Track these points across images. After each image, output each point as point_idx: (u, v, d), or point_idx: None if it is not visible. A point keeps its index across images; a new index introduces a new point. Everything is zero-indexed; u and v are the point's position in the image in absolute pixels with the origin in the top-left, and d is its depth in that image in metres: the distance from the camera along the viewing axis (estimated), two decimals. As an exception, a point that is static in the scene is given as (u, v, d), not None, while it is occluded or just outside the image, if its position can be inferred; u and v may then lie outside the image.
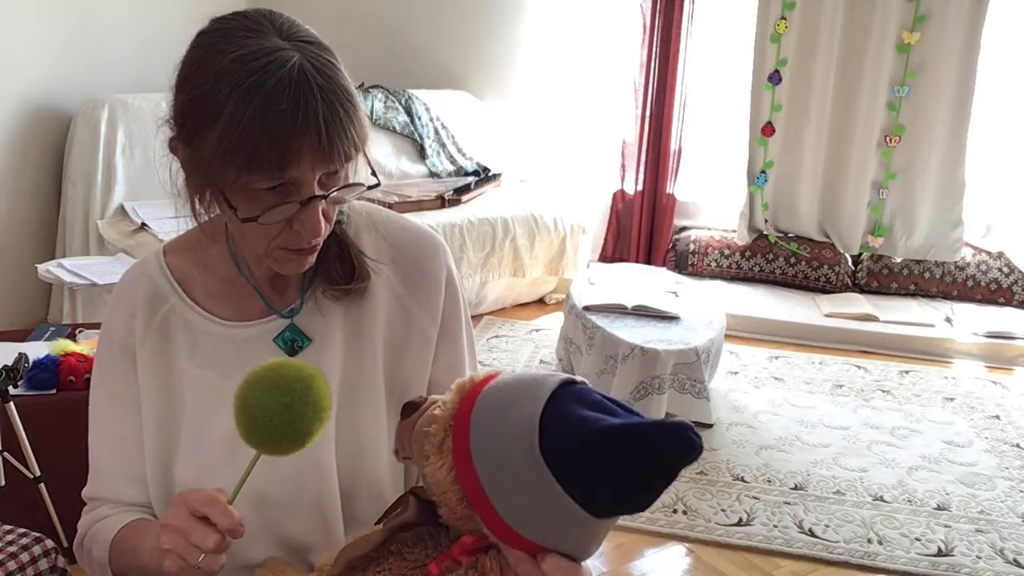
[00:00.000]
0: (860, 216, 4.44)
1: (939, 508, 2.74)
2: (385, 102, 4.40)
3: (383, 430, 1.02)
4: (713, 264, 4.58)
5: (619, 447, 0.69)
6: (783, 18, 4.27)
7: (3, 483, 1.93)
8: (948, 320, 4.14)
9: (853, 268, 4.52)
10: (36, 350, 2.20)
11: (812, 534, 2.59)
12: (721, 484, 2.82)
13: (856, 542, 2.56)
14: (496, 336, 3.97)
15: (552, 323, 4.06)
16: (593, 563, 2.29)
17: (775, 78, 4.36)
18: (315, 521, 1.00)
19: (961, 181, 4.30)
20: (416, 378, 1.06)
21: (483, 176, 4.46)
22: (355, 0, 4.67)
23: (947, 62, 4.16)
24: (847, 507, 2.73)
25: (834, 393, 3.56)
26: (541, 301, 4.42)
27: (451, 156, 4.54)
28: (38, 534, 1.69)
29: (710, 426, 3.13)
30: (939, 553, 2.52)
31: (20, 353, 2.04)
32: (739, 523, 2.63)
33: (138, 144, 3.59)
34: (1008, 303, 4.34)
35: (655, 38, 4.44)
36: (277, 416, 0.81)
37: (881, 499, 2.78)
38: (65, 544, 1.93)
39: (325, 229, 0.91)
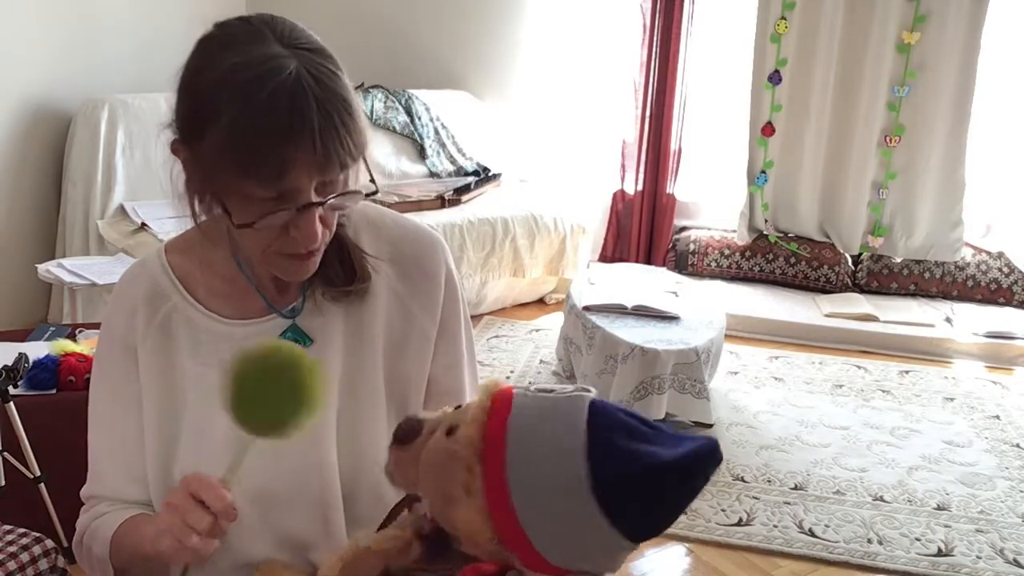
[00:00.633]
0: (860, 216, 4.44)
1: (939, 508, 2.74)
2: (385, 102, 4.40)
3: (383, 430, 1.02)
4: (713, 264, 4.58)
5: (674, 481, 0.70)
6: (783, 18, 4.27)
7: (3, 483, 1.93)
8: (948, 320, 4.14)
9: (853, 268, 4.51)
10: (36, 350, 2.20)
11: (812, 534, 2.59)
12: (721, 484, 2.82)
13: (856, 542, 2.55)
14: (496, 336, 3.97)
15: (552, 323, 4.06)
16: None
17: (775, 78, 4.36)
18: (316, 520, 1.00)
19: (961, 181, 4.30)
20: (416, 377, 1.06)
21: (483, 176, 4.46)
22: (355, 0, 4.67)
23: (947, 62, 4.16)
24: (847, 507, 2.73)
25: (834, 393, 3.56)
26: (541, 301, 4.42)
27: (451, 156, 4.54)
28: (38, 534, 1.69)
29: (710, 426, 3.13)
30: (939, 553, 2.52)
31: (20, 353, 2.04)
32: (739, 523, 2.63)
33: (138, 144, 3.60)
34: (1008, 303, 4.34)
35: (655, 38, 4.44)
36: (260, 394, 0.82)
37: (881, 499, 2.78)
38: (65, 544, 1.93)
39: (325, 235, 0.92)
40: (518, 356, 3.77)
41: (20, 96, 3.38)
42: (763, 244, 4.54)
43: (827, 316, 4.15)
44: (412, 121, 4.44)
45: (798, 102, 4.38)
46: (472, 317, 4.38)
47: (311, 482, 0.99)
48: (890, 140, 4.32)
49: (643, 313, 3.23)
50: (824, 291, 4.44)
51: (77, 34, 3.62)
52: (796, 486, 2.84)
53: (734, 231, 4.60)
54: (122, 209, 3.50)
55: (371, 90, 4.41)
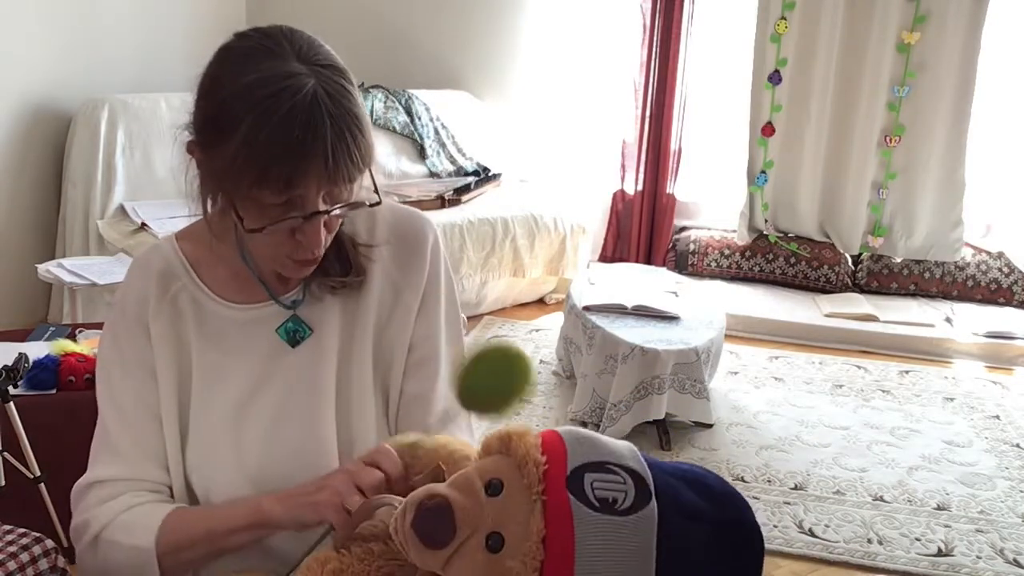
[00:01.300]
0: (860, 216, 4.44)
1: (939, 508, 2.74)
2: (385, 102, 4.40)
3: (370, 402, 1.08)
4: (713, 264, 4.58)
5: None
6: (783, 18, 4.27)
7: (3, 483, 1.93)
8: (948, 320, 4.14)
9: (853, 268, 4.52)
10: (36, 350, 2.20)
11: (812, 534, 2.59)
12: (721, 484, 2.81)
13: (856, 542, 2.56)
14: (496, 336, 3.97)
15: (552, 323, 4.06)
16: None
17: (775, 78, 4.36)
18: None
19: (961, 181, 4.30)
20: (399, 346, 1.11)
21: (483, 176, 4.46)
22: (355, 0, 4.67)
23: (947, 62, 4.16)
24: (847, 507, 2.73)
25: (834, 393, 3.56)
26: (541, 301, 4.42)
27: (451, 156, 4.54)
28: (38, 534, 1.68)
29: (710, 426, 3.13)
30: (939, 553, 2.52)
31: (20, 353, 2.03)
32: (739, 523, 2.62)
33: (138, 144, 3.60)
34: (1008, 303, 4.34)
35: (655, 38, 4.44)
36: (494, 396, 0.89)
37: (881, 499, 2.78)
38: (65, 544, 1.93)
39: (327, 239, 0.98)
40: (518, 356, 3.76)
41: (20, 96, 3.38)
42: (763, 244, 4.54)
43: (827, 316, 4.15)
44: (412, 121, 4.43)
45: (798, 102, 4.38)
46: (472, 317, 4.34)
47: (309, 463, 1.03)
48: (890, 140, 4.32)
49: (643, 313, 3.23)
50: (824, 291, 4.44)
51: (77, 34, 3.62)
52: (796, 486, 2.84)
53: (734, 231, 4.60)
54: (122, 209, 3.50)
55: (371, 90, 4.41)
